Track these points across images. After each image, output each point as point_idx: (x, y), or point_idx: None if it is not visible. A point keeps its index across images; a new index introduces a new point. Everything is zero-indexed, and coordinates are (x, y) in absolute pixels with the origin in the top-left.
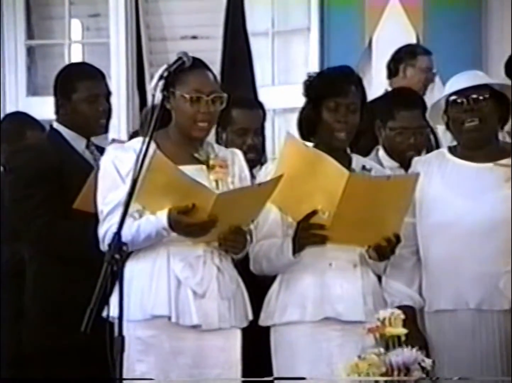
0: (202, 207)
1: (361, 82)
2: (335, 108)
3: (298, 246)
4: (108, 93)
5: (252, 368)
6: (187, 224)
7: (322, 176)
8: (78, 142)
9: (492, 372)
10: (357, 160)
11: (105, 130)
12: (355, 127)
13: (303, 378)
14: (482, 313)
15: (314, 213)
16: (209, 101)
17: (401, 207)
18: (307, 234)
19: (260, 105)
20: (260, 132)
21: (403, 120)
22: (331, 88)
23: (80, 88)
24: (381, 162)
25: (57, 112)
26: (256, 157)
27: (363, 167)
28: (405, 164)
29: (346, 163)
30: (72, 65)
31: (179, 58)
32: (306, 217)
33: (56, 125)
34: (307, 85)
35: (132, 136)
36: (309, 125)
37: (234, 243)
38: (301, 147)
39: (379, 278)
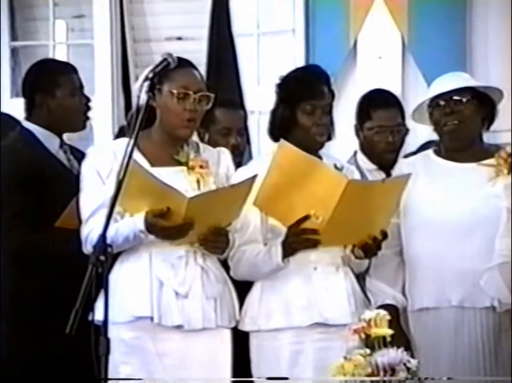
0: (176, 211)
1: (330, 81)
2: (312, 111)
3: (289, 250)
4: (81, 86)
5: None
6: (162, 227)
7: (317, 182)
8: (51, 142)
9: (475, 368)
10: (327, 159)
11: (84, 126)
12: (330, 127)
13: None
14: (465, 310)
15: (306, 217)
16: (196, 99)
17: (391, 208)
18: (299, 239)
19: (242, 105)
20: (243, 132)
21: (380, 119)
22: (307, 90)
23: (63, 83)
24: (359, 165)
25: (29, 110)
26: (238, 157)
27: (335, 166)
28: (384, 166)
29: None
30: (43, 63)
31: (164, 59)
32: (297, 222)
33: (26, 124)
34: (280, 87)
35: (118, 132)
36: (284, 126)
37: (215, 244)
38: (295, 153)
39: (357, 277)
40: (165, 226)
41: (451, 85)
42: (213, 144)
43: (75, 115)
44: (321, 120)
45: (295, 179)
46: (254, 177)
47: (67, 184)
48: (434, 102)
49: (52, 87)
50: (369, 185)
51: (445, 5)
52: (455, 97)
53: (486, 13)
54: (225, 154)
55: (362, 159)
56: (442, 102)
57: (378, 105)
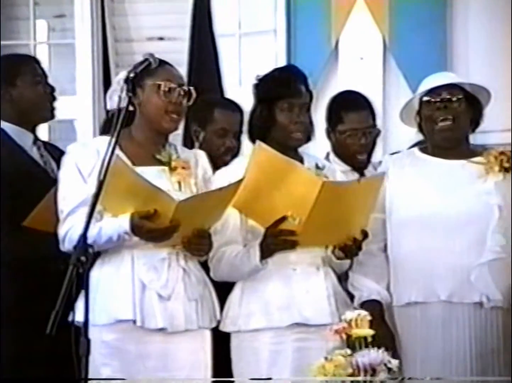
0: (163, 213)
1: (308, 81)
2: (290, 109)
3: (267, 252)
4: (45, 75)
5: (226, 369)
6: (148, 229)
7: (293, 184)
8: (24, 139)
9: (462, 365)
10: (308, 159)
11: (52, 115)
12: (309, 126)
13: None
14: (453, 305)
15: (283, 219)
16: (181, 92)
17: (368, 207)
18: (277, 240)
19: (240, 110)
20: (238, 136)
21: (352, 122)
22: (284, 89)
23: (23, 72)
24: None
25: None
26: (231, 160)
27: (316, 166)
28: (357, 167)
29: (299, 162)
30: (2, 57)
31: (146, 59)
32: (275, 223)
33: None
34: (257, 87)
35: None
36: (262, 126)
37: (199, 247)
38: (271, 155)
39: (338, 277)
40: (151, 229)
41: (442, 81)
42: (208, 144)
43: (39, 104)
44: (299, 117)
45: (272, 180)
46: (240, 181)
47: (40, 182)
48: (425, 100)
49: (13, 76)
50: (344, 185)
51: (425, 7)
52: (447, 95)
53: (466, 14)
54: (202, 157)
55: (334, 160)
56: (433, 99)
57: (350, 107)
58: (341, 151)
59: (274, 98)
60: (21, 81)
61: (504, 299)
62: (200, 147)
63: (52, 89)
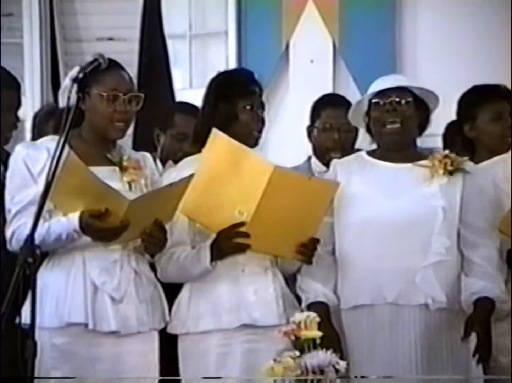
0: (114, 212)
1: (260, 84)
2: (251, 107)
3: (218, 254)
4: (19, 105)
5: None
6: (98, 229)
7: (245, 173)
8: None
9: (408, 366)
10: None
11: (7, 142)
12: (264, 125)
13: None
14: (399, 307)
15: (241, 224)
16: (126, 100)
17: (318, 213)
18: (230, 243)
19: None
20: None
21: (328, 117)
22: (245, 88)
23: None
24: (311, 169)
25: None
26: None
27: None
28: None
29: None
30: None
31: (95, 60)
32: (231, 227)
33: None
34: (216, 86)
35: (35, 116)
36: (223, 124)
37: (158, 241)
38: (227, 142)
39: (285, 279)
40: (101, 228)
41: (391, 83)
42: (168, 147)
43: (2, 131)
44: (259, 115)
45: (226, 170)
46: (191, 176)
47: None
48: (374, 102)
49: None
50: (295, 176)
51: (375, 10)
52: (396, 98)
53: (415, 18)
54: (149, 158)
55: (315, 162)
56: (382, 102)
57: (328, 104)
58: (318, 148)
59: (237, 96)
60: None
61: (449, 301)
62: (161, 151)
63: (17, 119)
